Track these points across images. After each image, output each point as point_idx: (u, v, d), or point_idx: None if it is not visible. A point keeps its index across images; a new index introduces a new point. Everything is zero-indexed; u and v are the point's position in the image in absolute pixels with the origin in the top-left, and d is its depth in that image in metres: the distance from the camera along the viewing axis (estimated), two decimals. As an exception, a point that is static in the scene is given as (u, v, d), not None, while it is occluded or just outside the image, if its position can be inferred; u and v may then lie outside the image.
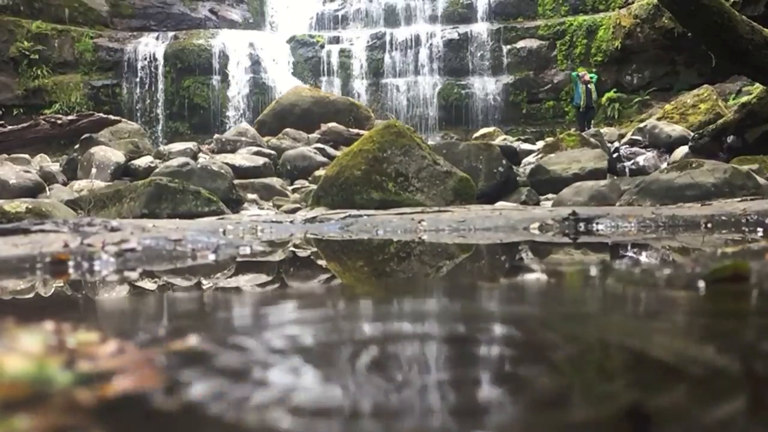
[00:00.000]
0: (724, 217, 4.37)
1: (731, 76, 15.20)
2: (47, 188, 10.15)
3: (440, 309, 1.59)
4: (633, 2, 18.72)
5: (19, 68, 18.92)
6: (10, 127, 12.87)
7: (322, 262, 3.33)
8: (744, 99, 11.33)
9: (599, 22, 19.22)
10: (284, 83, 18.65)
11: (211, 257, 2.97)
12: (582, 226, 4.29)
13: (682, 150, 10.93)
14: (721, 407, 0.74)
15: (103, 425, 0.71)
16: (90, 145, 11.95)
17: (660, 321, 1.34)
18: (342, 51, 20.21)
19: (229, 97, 19.34)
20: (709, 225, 4.26)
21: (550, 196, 9.26)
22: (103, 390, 0.80)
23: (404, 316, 1.46)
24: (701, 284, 1.79)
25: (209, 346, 1.15)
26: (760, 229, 4.08)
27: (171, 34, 20.19)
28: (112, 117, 13.33)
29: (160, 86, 19.55)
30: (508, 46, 19.82)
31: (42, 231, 2.92)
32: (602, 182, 8.85)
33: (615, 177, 10.51)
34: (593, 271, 2.52)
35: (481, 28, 20.16)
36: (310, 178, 11.10)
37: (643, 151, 11.96)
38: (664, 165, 10.25)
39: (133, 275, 2.50)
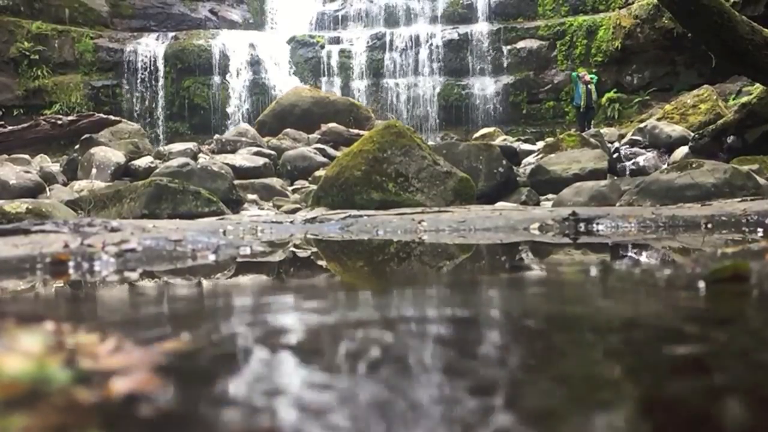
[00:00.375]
0: (724, 218, 4.37)
1: (731, 76, 15.20)
2: (47, 189, 10.15)
3: (441, 308, 1.59)
4: (633, 2, 18.72)
5: (20, 69, 18.92)
6: (10, 127, 12.88)
7: (322, 263, 3.33)
8: (744, 99, 11.33)
9: (599, 22, 19.22)
10: (284, 84, 18.66)
11: (212, 258, 2.97)
12: (582, 226, 4.29)
13: (682, 150, 10.93)
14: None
15: (102, 425, 0.71)
16: (90, 145, 11.95)
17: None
18: (342, 51, 20.22)
19: (230, 97, 19.34)
20: (709, 225, 4.26)
21: (550, 196, 9.26)
22: (103, 390, 0.80)
23: (409, 317, 1.46)
24: (701, 284, 1.79)
25: (209, 346, 1.15)
26: (760, 230, 4.08)
27: (171, 34, 20.19)
28: (112, 117, 13.34)
29: (161, 87, 19.56)
30: (508, 47, 19.82)
31: (42, 231, 2.92)
32: (602, 182, 8.85)
33: (615, 177, 10.51)
34: (593, 272, 2.52)
35: (481, 29, 20.16)
36: (310, 179, 11.10)
37: (643, 151, 11.96)
38: (665, 165, 10.25)
39: (134, 276, 2.50)
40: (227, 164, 10.88)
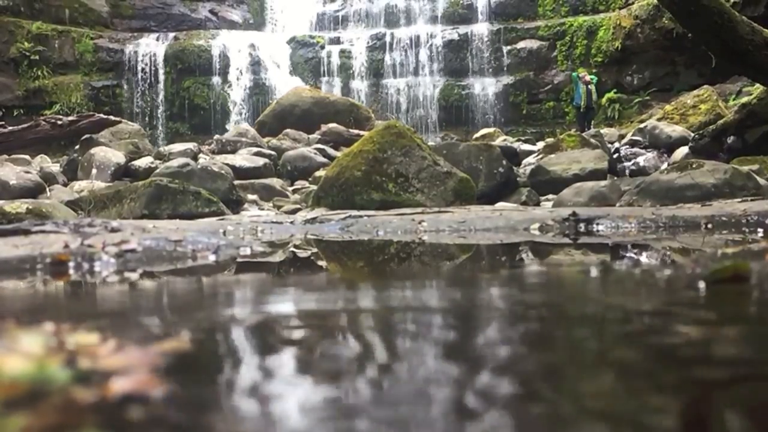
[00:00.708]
0: (724, 218, 4.37)
1: (731, 76, 15.20)
2: (47, 189, 10.15)
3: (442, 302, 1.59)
4: (633, 3, 18.72)
5: (20, 69, 18.92)
6: (10, 127, 12.88)
7: (322, 263, 3.33)
8: (744, 99, 11.33)
9: (599, 22, 19.22)
10: (284, 84, 18.66)
11: (212, 258, 2.97)
12: (582, 226, 4.29)
13: (683, 150, 10.92)
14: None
15: (102, 426, 0.71)
16: (90, 145, 11.95)
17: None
18: (342, 51, 20.22)
19: (230, 97, 19.34)
20: (710, 226, 4.26)
21: (550, 196, 9.26)
22: (102, 390, 0.80)
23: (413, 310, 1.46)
24: (701, 285, 1.78)
25: (209, 347, 1.15)
26: (760, 230, 4.08)
27: (171, 34, 20.18)
28: (112, 118, 13.34)
29: (161, 87, 19.56)
30: (509, 47, 19.82)
31: (42, 232, 2.92)
32: (602, 183, 8.85)
33: (615, 177, 10.50)
34: (593, 272, 2.52)
35: (481, 29, 20.16)
36: (310, 179, 11.10)
37: (643, 151, 11.96)
38: (665, 165, 10.25)
39: (134, 276, 2.50)
40: (227, 164, 10.88)
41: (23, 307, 1.88)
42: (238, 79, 19.39)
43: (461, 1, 20.79)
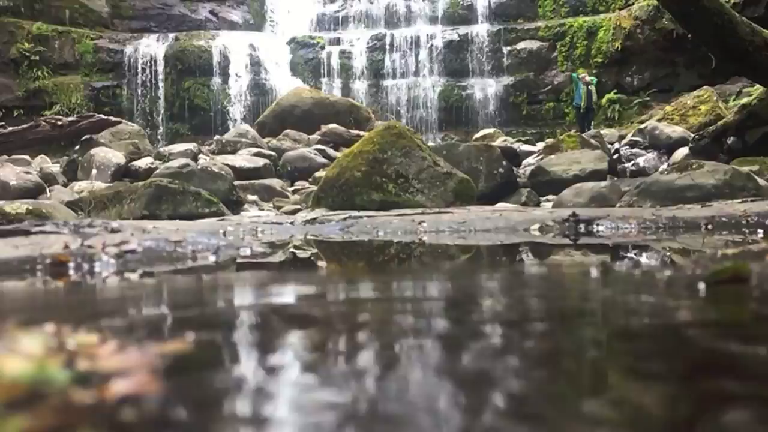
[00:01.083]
0: (724, 219, 4.38)
1: (731, 77, 15.20)
2: (48, 189, 10.14)
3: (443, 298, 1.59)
4: (633, 3, 18.72)
5: (20, 69, 18.92)
6: (10, 128, 12.88)
7: (322, 263, 3.33)
8: (744, 100, 11.33)
9: (599, 23, 19.22)
10: (284, 84, 18.66)
11: (212, 258, 2.97)
12: (582, 227, 4.29)
13: (683, 151, 10.92)
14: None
15: (101, 427, 0.71)
16: (90, 146, 11.95)
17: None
18: (342, 52, 20.21)
19: (230, 98, 19.34)
20: (710, 226, 4.26)
21: (550, 197, 9.26)
22: (102, 392, 0.80)
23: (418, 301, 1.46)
24: (701, 286, 1.78)
25: (210, 348, 1.15)
26: (760, 231, 4.08)
27: (171, 35, 20.18)
28: (112, 118, 13.33)
29: (161, 87, 19.55)
30: (509, 48, 19.81)
31: (42, 232, 2.92)
32: (602, 183, 8.84)
33: (615, 178, 10.50)
34: (593, 273, 2.52)
35: (481, 30, 20.15)
36: (310, 180, 11.10)
37: (643, 152, 11.96)
38: (665, 166, 10.25)
39: (134, 277, 2.50)
40: (227, 165, 10.88)
41: (23, 307, 1.88)
42: (238, 79, 19.39)
43: (461, 2, 20.79)
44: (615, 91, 18.53)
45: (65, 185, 11.02)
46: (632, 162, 11.71)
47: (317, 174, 10.78)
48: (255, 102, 19.07)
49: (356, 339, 1.19)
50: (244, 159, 11.79)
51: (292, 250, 3.78)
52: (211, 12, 21.60)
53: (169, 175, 9.04)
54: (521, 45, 19.79)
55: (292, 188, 11.04)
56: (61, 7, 19.71)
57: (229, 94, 19.34)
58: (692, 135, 11.28)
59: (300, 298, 1.90)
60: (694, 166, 7.03)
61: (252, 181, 10.76)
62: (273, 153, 12.47)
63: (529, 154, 12.71)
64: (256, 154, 12.15)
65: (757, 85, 10.46)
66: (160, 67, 19.50)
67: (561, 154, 10.87)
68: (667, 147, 11.82)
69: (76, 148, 12.38)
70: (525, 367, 0.97)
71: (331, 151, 12.34)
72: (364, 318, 1.47)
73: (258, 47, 19.82)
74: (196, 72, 19.43)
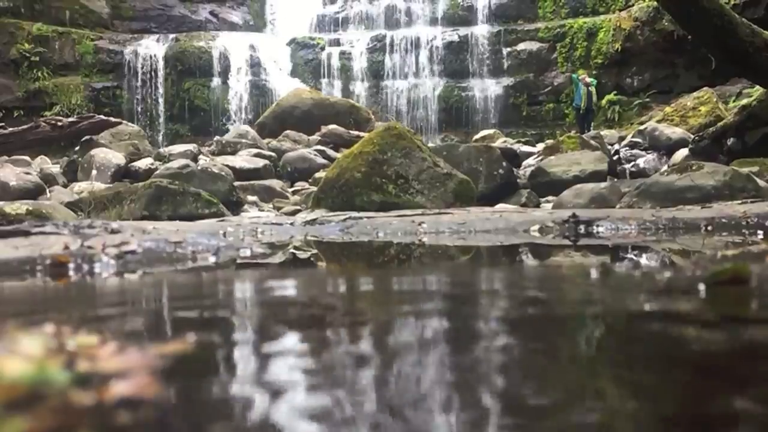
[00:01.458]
0: (724, 220, 4.38)
1: (731, 78, 15.21)
2: (47, 190, 10.14)
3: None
4: (633, 5, 18.72)
5: (20, 70, 18.92)
6: (10, 128, 12.88)
7: (322, 264, 3.33)
8: (744, 101, 11.33)
9: (599, 24, 19.23)
10: (284, 85, 18.67)
11: (212, 259, 2.97)
12: (582, 228, 4.29)
13: (682, 152, 10.92)
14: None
15: (100, 428, 0.71)
16: (90, 147, 11.95)
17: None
18: (342, 53, 20.22)
19: (230, 99, 19.34)
20: (710, 227, 4.26)
21: (550, 198, 9.26)
22: (102, 393, 0.80)
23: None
24: (701, 287, 1.78)
25: (210, 349, 1.15)
26: (760, 232, 4.08)
27: (171, 36, 20.18)
28: (112, 119, 13.34)
29: (161, 88, 19.55)
30: (509, 49, 19.82)
31: (42, 233, 2.92)
32: (602, 184, 8.84)
33: (615, 179, 10.50)
34: (592, 274, 2.52)
35: (481, 31, 20.16)
36: (310, 180, 11.10)
37: (643, 153, 11.96)
38: (665, 167, 10.24)
39: (134, 278, 2.50)
40: (227, 166, 10.88)
41: (23, 308, 1.88)
42: (238, 80, 19.40)
43: (461, 3, 20.80)
44: (615, 92, 18.54)
45: (65, 186, 11.02)
46: (632, 163, 11.71)
47: (317, 175, 10.78)
48: (255, 103, 19.07)
49: (360, 350, 1.19)
50: (244, 160, 11.79)
51: (292, 251, 3.78)
52: (212, 13, 21.61)
53: (169, 176, 9.04)
54: (521, 46, 19.80)
55: (292, 189, 11.04)
56: (61, 7, 19.71)
57: (229, 95, 19.35)
58: (692, 136, 11.28)
59: (300, 298, 1.90)
60: (693, 168, 7.03)
61: (252, 182, 10.76)
62: (273, 154, 12.47)
63: (529, 155, 12.71)
64: (256, 155, 12.15)
65: (757, 87, 10.46)
66: (161, 68, 19.50)
67: (561, 155, 10.87)
68: (667, 148, 11.82)
69: (76, 148, 12.38)
70: (511, 372, 0.97)
71: (331, 152, 12.34)
72: (366, 317, 1.47)
73: (258, 48, 19.83)
74: (196, 73, 19.44)
